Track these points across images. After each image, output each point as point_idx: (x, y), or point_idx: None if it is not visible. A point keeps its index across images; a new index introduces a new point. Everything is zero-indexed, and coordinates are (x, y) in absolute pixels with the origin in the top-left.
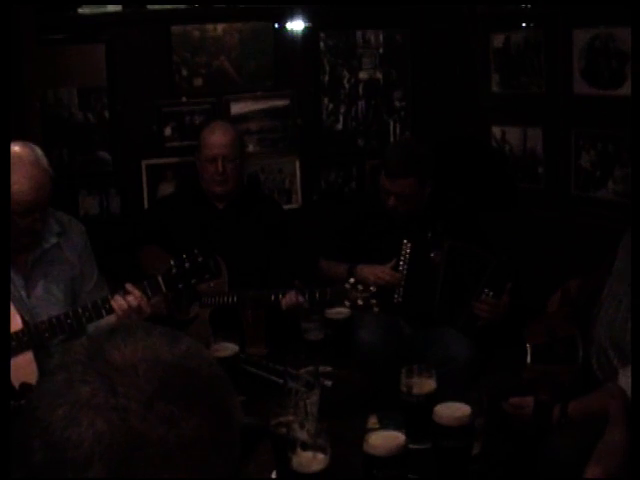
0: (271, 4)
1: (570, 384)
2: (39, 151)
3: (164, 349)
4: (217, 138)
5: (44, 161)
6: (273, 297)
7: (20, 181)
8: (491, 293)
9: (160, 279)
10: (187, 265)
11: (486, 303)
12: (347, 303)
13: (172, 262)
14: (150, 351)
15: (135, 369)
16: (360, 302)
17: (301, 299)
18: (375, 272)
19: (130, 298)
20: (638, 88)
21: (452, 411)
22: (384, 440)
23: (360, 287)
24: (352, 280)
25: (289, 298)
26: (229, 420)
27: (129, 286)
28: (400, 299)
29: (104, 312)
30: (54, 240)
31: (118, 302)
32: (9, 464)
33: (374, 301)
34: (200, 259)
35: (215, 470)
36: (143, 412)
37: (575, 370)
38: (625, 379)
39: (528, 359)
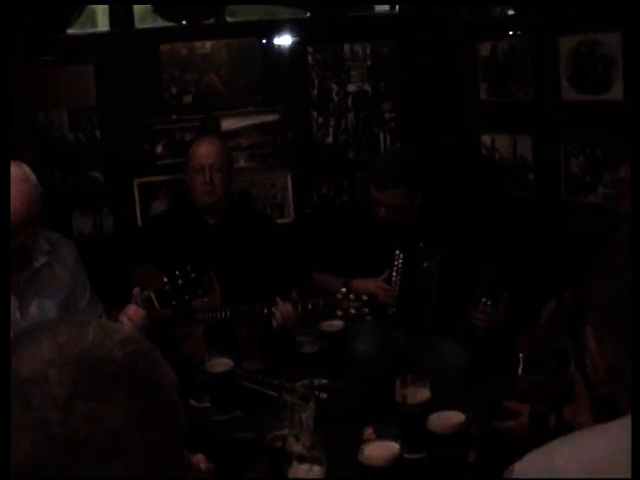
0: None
1: (563, 392)
2: (26, 168)
3: (70, 346)
4: (204, 148)
5: (33, 177)
6: (265, 310)
7: (12, 198)
8: (489, 302)
9: (153, 296)
10: (180, 282)
11: (485, 313)
12: (339, 313)
13: (165, 279)
14: (56, 352)
15: (45, 376)
16: (353, 311)
17: (290, 308)
18: (368, 288)
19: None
20: (636, 91)
21: (446, 419)
22: (379, 451)
23: (352, 297)
24: (344, 290)
25: (281, 308)
26: (157, 394)
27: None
28: (394, 310)
29: None
30: (44, 259)
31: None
32: (9, 464)
33: (366, 310)
34: (193, 275)
35: (159, 447)
36: (63, 418)
37: (567, 378)
38: None
39: (520, 371)
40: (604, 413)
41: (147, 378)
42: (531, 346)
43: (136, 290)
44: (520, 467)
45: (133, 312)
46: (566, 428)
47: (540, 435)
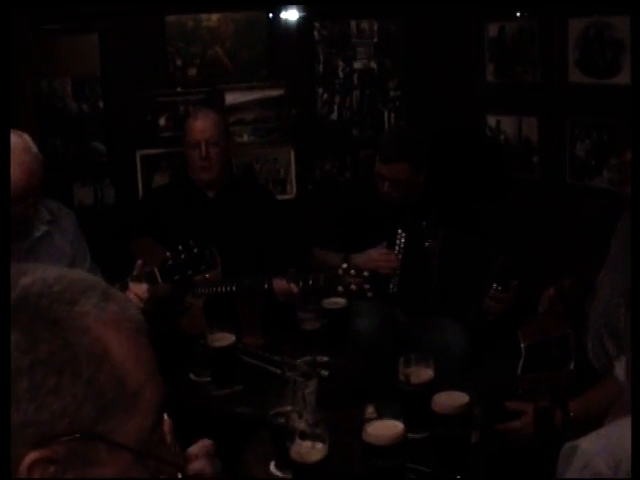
0: None
1: (566, 385)
2: (28, 138)
3: (26, 284)
4: (199, 123)
5: (34, 147)
6: (266, 285)
7: (12, 168)
8: (500, 288)
9: (156, 270)
10: (183, 257)
11: (495, 299)
12: (340, 289)
13: (168, 254)
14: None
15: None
16: (353, 287)
17: (292, 285)
18: (370, 257)
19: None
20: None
21: (451, 400)
22: (383, 429)
23: (353, 272)
24: (345, 265)
25: (280, 284)
26: (61, 336)
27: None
28: (395, 289)
29: None
30: (45, 228)
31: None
32: (9, 464)
33: (367, 286)
34: (196, 250)
35: (71, 402)
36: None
37: (568, 372)
38: (620, 370)
39: (519, 366)
40: None
41: (44, 317)
42: (532, 336)
43: (139, 263)
44: (586, 445)
45: (137, 288)
46: (573, 422)
47: (547, 431)
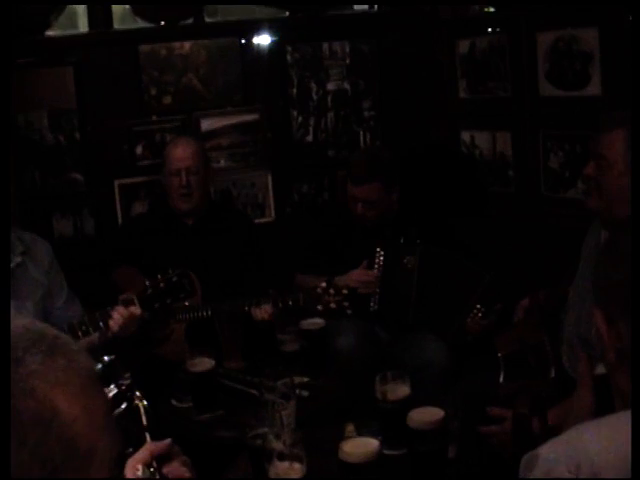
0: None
1: (546, 394)
2: None
3: None
4: (179, 151)
5: None
6: (247, 308)
7: None
8: (483, 309)
9: (135, 299)
10: (162, 285)
11: (477, 323)
12: (320, 307)
13: (147, 282)
14: None
15: None
16: (333, 305)
17: (270, 310)
18: (352, 277)
19: (132, 308)
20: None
21: (426, 415)
22: (358, 447)
23: (332, 291)
24: (324, 284)
25: (260, 313)
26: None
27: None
28: (376, 306)
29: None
30: (19, 259)
31: (119, 311)
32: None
33: (347, 304)
34: (175, 279)
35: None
36: None
37: (549, 380)
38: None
39: (501, 376)
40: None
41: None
42: (509, 346)
43: (122, 296)
44: (546, 452)
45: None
46: (551, 431)
47: (524, 439)
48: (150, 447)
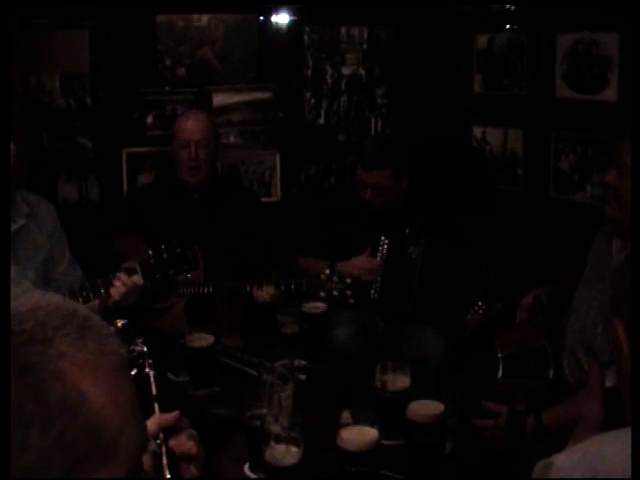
0: None
1: (543, 394)
2: None
3: None
4: (190, 124)
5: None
6: (249, 288)
7: None
8: (484, 306)
9: (138, 268)
10: (165, 256)
11: (476, 320)
12: (322, 294)
13: (150, 252)
14: None
15: None
16: (335, 293)
17: (271, 292)
18: (355, 264)
19: (134, 277)
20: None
21: (426, 409)
22: (357, 435)
23: (335, 278)
24: (327, 271)
25: (261, 295)
26: (38, 390)
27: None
28: (377, 295)
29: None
30: (22, 221)
31: (122, 279)
32: (9, 464)
33: (349, 292)
34: (178, 250)
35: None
36: None
37: (547, 381)
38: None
39: (499, 373)
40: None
41: (14, 362)
42: (509, 347)
43: (125, 264)
44: (561, 462)
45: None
46: (545, 430)
47: (517, 436)
48: (158, 419)
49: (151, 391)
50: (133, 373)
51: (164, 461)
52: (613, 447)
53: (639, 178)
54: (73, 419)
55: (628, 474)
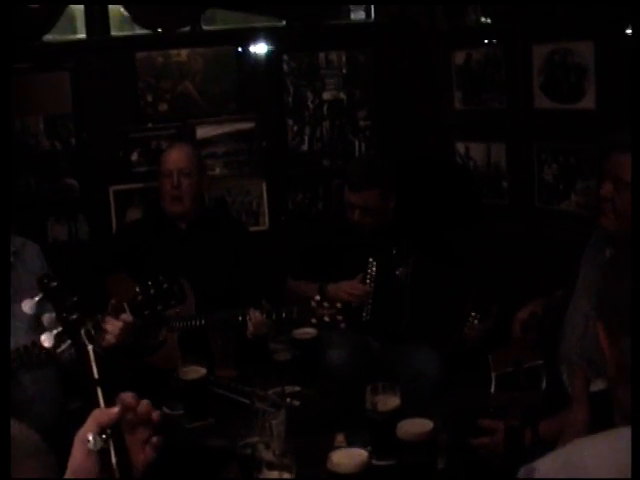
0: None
1: (537, 407)
2: None
3: None
4: (172, 154)
5: None
6: (240, 318)
7: None
8: (478, 316)
9: (126, 306)
10: (152, 292)
11: (474, 329)
12: (314, 320)
13: (137, 289)
14: None
15: None
16: (327, 319)
17: (262, 318)
18: (344, 288)
19: (123, 316)
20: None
21: (415, 427)
22: (347, 457)
23: (326, 304)
24: (318, 297)
25: (252, 327)
26: None
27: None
28: (368, 317)
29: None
30: (11, 259)
31: (112, 323)
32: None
33: (340, 317)
34: (165, 285)
35: None
36: None
37: (539, 392)
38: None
39: (492, 389)
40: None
41: None
42: (504, 366)
43: (113, 302)
44: (543, 466)
45: (113, 324)
46: (543, 443)
47: (515, 451)
48: (97, 417)
49: (92, 372)
50: (65, 346)
51: (113, 459)
52: (593, 451)
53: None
54: None
55: (611, 475)
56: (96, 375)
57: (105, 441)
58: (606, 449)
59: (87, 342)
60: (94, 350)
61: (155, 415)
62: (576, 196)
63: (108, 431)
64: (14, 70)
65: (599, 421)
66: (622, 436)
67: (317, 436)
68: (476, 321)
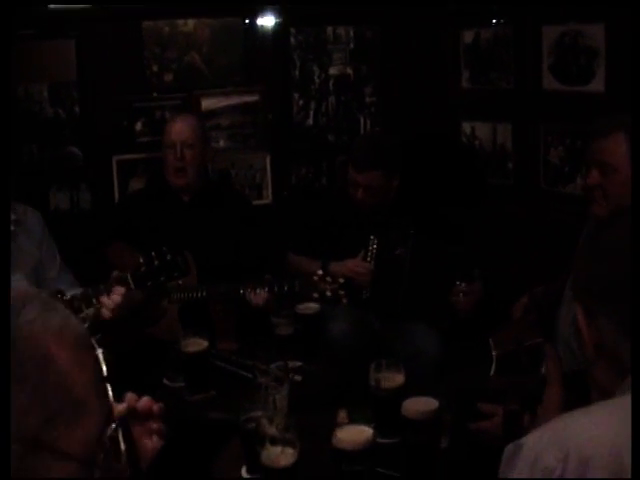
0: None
1: (537, 390)
2: None
3: None
4: (176, 125)
5: None
6: (242, 291)
7: None
8: (463, 284)
9: (129, 277)
10: (156, 263)
11: (460, 293)
12: (316, 295)
13: (141, 260)
14: None
15: None
16: (329, 293)
17: (265, 295)
18: (347, 266)
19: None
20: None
21: (420, 405)
22: (352, 434)
23: (329, 279)
24: (320, 272)
25: (255, 299)
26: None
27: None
28: (368, 294)
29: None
30: (11, 228)
31: (117, 291)
32: (9, 465)
33: (342, 292)
34: (169, 257)
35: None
36: None
37: (541, 377)
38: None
39: (492, 371)
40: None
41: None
42: (505, 345)
43: (115, 273)
44: (531, 442)
45: (113, 294)
46: (541, 425)
47: (515, 435)
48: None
49: (101, 371)
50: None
51: (122, 447)
52: (582, 425)
53: None
54: (45, 375)
55: (598, 451)
56: (105, 372)
57: (115, 430)
58: (595, 423)
59: (97, 347)
60: (102, 353)
61: (156, 407)
62: (582, 179)
63: (117, 421)
64: (19, 37)
65: (576, 400)
66: (609, 410)
67: (319, 412)
68: (463, 285)
